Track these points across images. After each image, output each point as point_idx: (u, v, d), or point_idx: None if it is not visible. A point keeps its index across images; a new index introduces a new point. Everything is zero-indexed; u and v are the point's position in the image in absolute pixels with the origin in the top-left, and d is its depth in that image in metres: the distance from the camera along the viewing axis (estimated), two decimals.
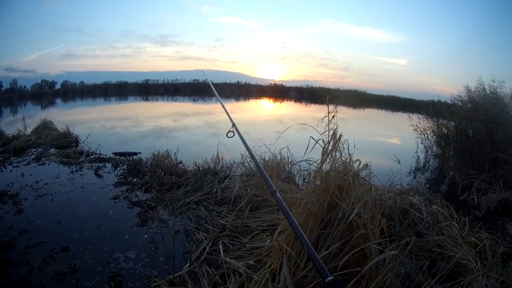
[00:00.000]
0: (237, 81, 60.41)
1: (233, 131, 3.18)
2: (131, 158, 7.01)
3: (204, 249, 3.63)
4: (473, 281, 3.03)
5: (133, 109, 27.23)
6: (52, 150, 8.12)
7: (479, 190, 6.41)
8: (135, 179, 6.11)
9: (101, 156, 7.81)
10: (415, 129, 11.02)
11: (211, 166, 6.17)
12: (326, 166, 3.13)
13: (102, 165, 7.04)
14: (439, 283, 3.08)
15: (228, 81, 59.41)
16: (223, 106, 4.13)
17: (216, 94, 4.33)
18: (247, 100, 45.87)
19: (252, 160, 2.70)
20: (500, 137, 7.74)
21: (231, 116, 3.63)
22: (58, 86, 45.90)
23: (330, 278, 1.42)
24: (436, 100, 12.01)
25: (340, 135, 3.12)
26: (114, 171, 6.64)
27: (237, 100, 43.03)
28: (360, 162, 3.11)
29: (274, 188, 2.04)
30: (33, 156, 7.45)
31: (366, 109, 41.36)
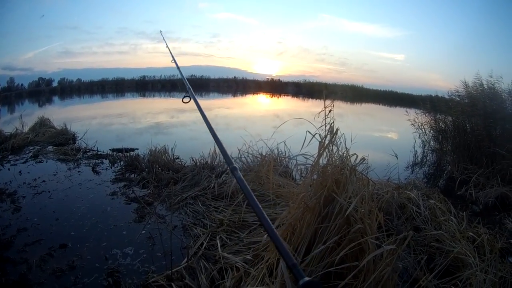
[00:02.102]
0: (234, 77, 60.57)
1: (188, 96, 3.13)
2: (128, 154, 7.01)
3: (202, 244, 3.63)
4: (471, 276, 3.03)
5: (130, 106, 27.28)
6: (50, 148, 8.13)
7: (477, 185, 6.42)
8: (132, 175, 6.10)
9: (99, 152, 7.82)
10: (412, 124, 11.03)
11: (208, 161, 6.18)
12: (323, 161, 3.13)
13: (99, 161, 7.04)
14: (437, 277, 3.08)
15: (225, 77, 59.45)
16: (179, 71, 4.06)
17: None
18: (244, 95, 45.93)
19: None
20: (498, 132, 7.77)
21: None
22: (55, 84, 46.01)
23: (306, 279, 1.20)
24: (433, 95, 12.02)
25: (337, 129, 3.12)
26: (111, 168, 6.64)
27: (234, 96, 43.11)
28: (357, 157, 3.10)
29: (235, 165, 1.91)
30: (30, 154, 7.45)
31: (363, 104, 41.45)
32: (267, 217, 1.50)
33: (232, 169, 1.89)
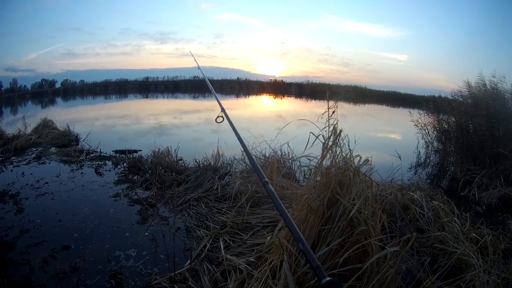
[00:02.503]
0: (237, 78, 60.65)
1: (222, 116, 3.14)
2: (131, 155, 7.01)
3: (205, 246, 3.63)
4: (475, 277, 3.02)
5: (133, 107, 27.26)
6: (53, 149, 8.13)
7: (480, 185, 6.41)
8: (135, 177, 6.10)
9: (102, 154, 7.84)
10: (415, 125, 11.05)
11: (212, 163, 6.17)
12: (326, 162, 3.12)
13: (102, 163, 7.05)
14: (440, 279, 3.08)
15: (228, 78, 59.49)
16: (214, 94, 4.07)
17: (210, 87, 4.26)
18: (247, 96, 45.95)
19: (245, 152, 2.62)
20: (501, 133, 7.74)
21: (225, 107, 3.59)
22: (58, 85, 46.08)
23: (328, 279, 1.34)
24: (436, 96, 12.03)
25: (340, 131, 3.11)
26: (114, 169, 6.64)
27: (237, 97, 43.06)
28: (361, 158, 3.10)
29: (266, 179, 1.98)
30: (33, 155, 7.46)
31: (366, 105, 41.38)
32: (298, 231, 1.63)
33: (264, 183, 2.01)
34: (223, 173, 5.84)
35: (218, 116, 3.15)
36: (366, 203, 2.86)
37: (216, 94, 3.86)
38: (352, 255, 2.59)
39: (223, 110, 3.14)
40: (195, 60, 4.70)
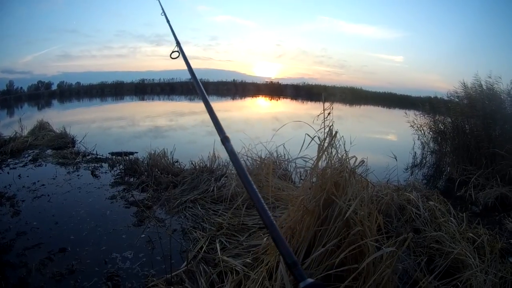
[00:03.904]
0: (233, 80, 60.74)
1: (177, 51, 2.97)
2: (127, 157, 6.99)
3: (201, 248, 3.62)
4: (472, 277, 3.03)
5: (129, 109, 27.30)
6: (49, 151, 8.11)
7: (476, 185, 6.43)
8: (131, 179, 6.11)
9: (98, 156, 7.82)
10: (411, 126, 11.07)
11: (208, 165, 6.17)
12: (322, 163, 3.13)
13: (98, 165, 7.04)
14: (437, 279, 3.08)
15: (224, 80, 59.54)
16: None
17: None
18: (243, 98, 45.96)
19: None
20: (497, 133, 7.76)
21: None
22: (54, 87, 46.08)
23: (309, 282, 1.06)
24: (432, 97, 12.01)
25: (336, 132, 3.12)
26: (110, 171, 6.63)
27: (233, 99, 43.12)
28: (356, 159, 3.11)
29: (227, 135, 1.65)
30: (30, 158, 7.44)
31: (362, 106, 41.44)
32: (262, 199, 1.37)
33: (223, 139, 1.64)
34: (219, 175, 5.83)
35: (173, 51, 2.99)
36: (362, 204, 2.87)
37: (171, 26, 3.65)
38: (348, 256, 2.59)
39: (178, 44, 2.95)
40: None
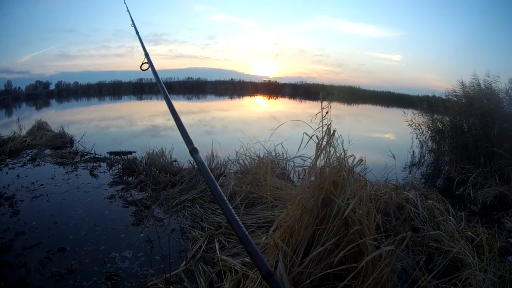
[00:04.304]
0: (231, 79, 60.66)
1: (147, 63, 2.95)
2: (125, 157, 6.99)
3: (200, 247, 3.63)
4: (471, 276, 3.04)
5: (127, 108, 27.29)
6: (47, 151, 8.11)
7: (475, 184, 6.44)
8: (130, 178, 6.10)
9: (96, 156, 7.82)
10: (409, 125, 11.05)
11: (206, 164, 6.14)
12: (320, 162, 3.12)
13: (97, 164, 7.04)
14: (436, 278, 3.09)
15: (222, 79, 59.51)
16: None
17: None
18: (241, 97, 45.96)
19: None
20: (496, 132, 7.77)
21: None
22: (52, 87, 46.03)
23: None
24: (430, 95, 12.04)
25: (334, 131, 3.11)
26: (109, 171, 6.63)
27: (231, 98, 43.12)
28: (355, 158, 3.10)
29: (194, 146, 1.73)
30: (28, 158, 7.43)
31: (360, 105, 41.54)
32: (233, 212, 1.34)
33: (191, 150, 1.71)
34: (218, 174, 5.84)
35: (143, 63, 2.97)
36: (361, 202, 2.87)
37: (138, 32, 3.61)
38: (347, 255, 2.59)
39: (146, 55, 2.94)
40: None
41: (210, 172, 1.56)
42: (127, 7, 4.19)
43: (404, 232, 3.67)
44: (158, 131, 12.72)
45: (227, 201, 1.37)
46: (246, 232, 1.25)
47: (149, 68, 2.77)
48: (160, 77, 2.50)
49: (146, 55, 2.84)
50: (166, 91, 2.23)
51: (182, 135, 1.82)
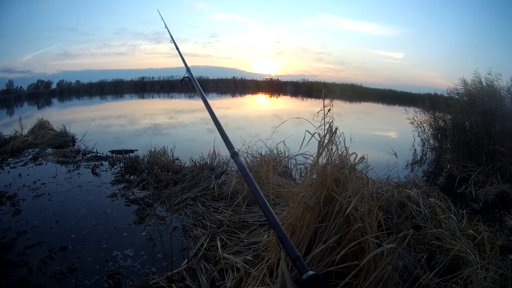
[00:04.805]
0: (233, 77, 60.58)
1: (188, 77, 3.00)
2: (127, 155, 7.01)
3: (202, 245, 3.62)
4: (472, 274, 3.04)
5: (129, 107, 27.28)
6: (49, 150, 8.12)
7: (476, 182, 6.42)
8: (132, 177, 6.11)
9: (98, 154, 7.83)
10: (411, 122, 11.01)
11: (208, 162, 6.17)
12: (322, 160, 3.12)
13: (99, 163, 7.05)
14: (438, 276, 3.10)
15: (224, 77, 59.46)
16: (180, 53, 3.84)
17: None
18: (243, 95, 45.96)
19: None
20: (497, 130, 7.75)
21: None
22: (54, 86, 46.04)
23: (310, 273, 1.15)
24: (432, 93, 11.98)
25: (336, 128, 3.11)
26: (111, 169, 6.64)
27: (233, 96, 43.14)
28: (357, 156, 3.10)
29: (235, 150, 1.86)
30: (30, 157, 7.44)
31: (362, 103, 41.49)
32: (271, 208, 1.47)
33: (232, 154, 1.84)
34: (220, 172, 5.84)
35: (183, 78, 3.02)
36: (362, 200, 2.87)
37: (181, 54, 3.68)
38: (349, 253, 2.59)
39: (188, 70, 2.98)
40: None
41: (249, 174, 1.65)
42: (165, 24, 4.23)
43: (405, 230, 3.67)
44: (160, 130, 12.71)
45: (267, 203, 1.49)
46: (279, 221, 1.42)
47: (190, 82, 2.87)
48: (199, 86, 2.57)
49: (188, 70, 2.92)
50: (208, 102, 2.41)
51: (224, 139, 1.95)
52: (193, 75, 2.85)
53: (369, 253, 2.54)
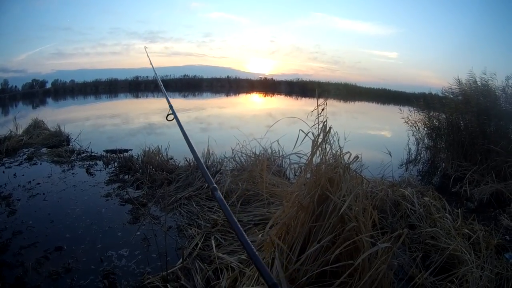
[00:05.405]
0: (227, 76, 60.35)
1: (171, 114, 3.11)
2: (122, 155, 7.01)
3: (197, 244, 3.62)
4: (467, 273, 3.05)
5: (123, 106, 27.22)
6: (44, 150, 8.09)
7: (471, 182, 6.44)
8: (126, 176, 6.09)
9: (92, 154, 7.81)
10: (406, 122, 11.04)
11: (202, 161, 6.15)
12: (316, 159, 3.13)
13: (93, 163, 7.03)
14: (433, 275, 3.11)
15: (218, 76, 59.36)
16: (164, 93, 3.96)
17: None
18: (237, 94, 45.93)
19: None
20: (492, 129, 7.79)
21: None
22: (49, 85, 45.75)
23: None
24: (427, 93, 11.98)
25: (330, 128, 3.12)
26: (105, 169, 6.63)
27: (227, 95, 43.14)
28: (351, 155, 3.10)
29: (215, 185, 1.90)
30: (25, 156, 7.42)
31: (356, 102, 41.51)
32: (246, 236, 1.51)
33: (212, 189, 1.88)
34: (214, 171, 5.86)
35: (168, 114, 3.12)
36: (357, 199, 2.88)
37: (165, 92, 3.78)
38: (343, 252, 2.60)
39: (171, 107, 3.09)
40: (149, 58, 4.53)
41: (229, 208, 1.73)
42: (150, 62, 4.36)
43: (400, 229, 3.68)
44: (154, 129, 12.66)
45: (247, 238, 1.51)
46: (256, 252, 1.44)
47: (174, 119, 3.17)
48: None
49: (171, 107, 3.21)
50: (189, 138, 2.70)
51: (203, 174, 2.11)
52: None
53: (363, 252, 2.54)
